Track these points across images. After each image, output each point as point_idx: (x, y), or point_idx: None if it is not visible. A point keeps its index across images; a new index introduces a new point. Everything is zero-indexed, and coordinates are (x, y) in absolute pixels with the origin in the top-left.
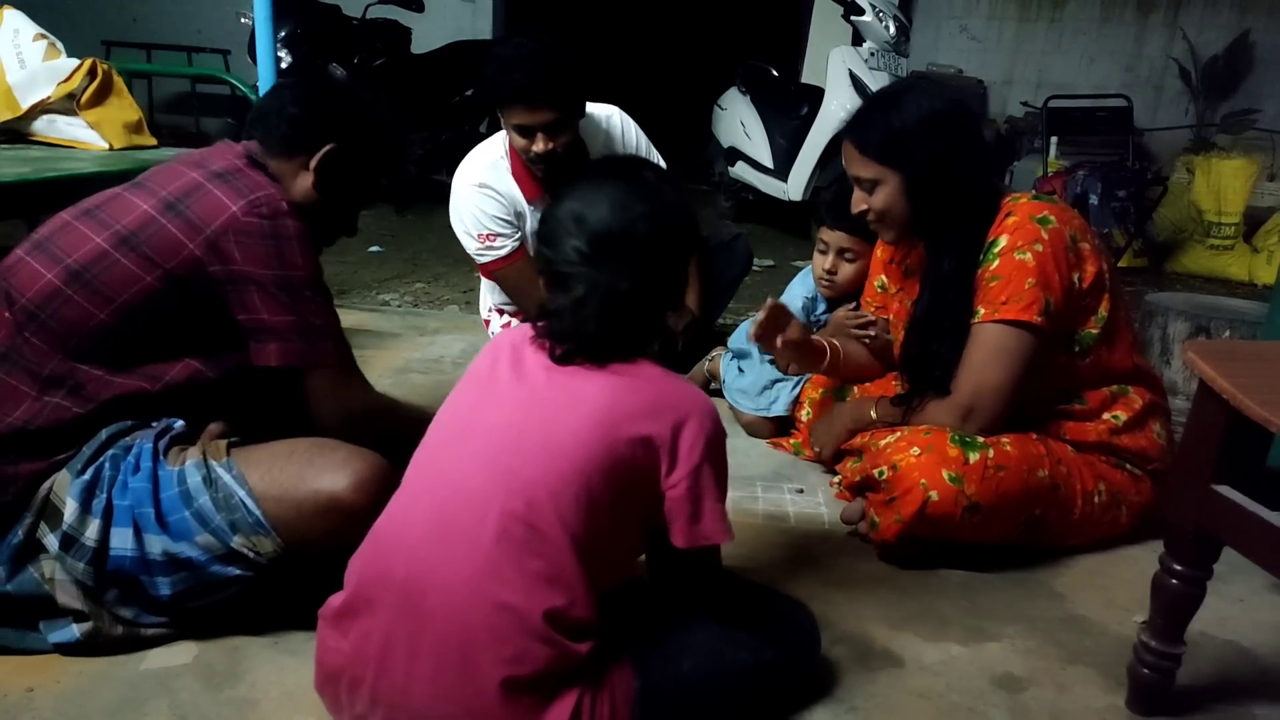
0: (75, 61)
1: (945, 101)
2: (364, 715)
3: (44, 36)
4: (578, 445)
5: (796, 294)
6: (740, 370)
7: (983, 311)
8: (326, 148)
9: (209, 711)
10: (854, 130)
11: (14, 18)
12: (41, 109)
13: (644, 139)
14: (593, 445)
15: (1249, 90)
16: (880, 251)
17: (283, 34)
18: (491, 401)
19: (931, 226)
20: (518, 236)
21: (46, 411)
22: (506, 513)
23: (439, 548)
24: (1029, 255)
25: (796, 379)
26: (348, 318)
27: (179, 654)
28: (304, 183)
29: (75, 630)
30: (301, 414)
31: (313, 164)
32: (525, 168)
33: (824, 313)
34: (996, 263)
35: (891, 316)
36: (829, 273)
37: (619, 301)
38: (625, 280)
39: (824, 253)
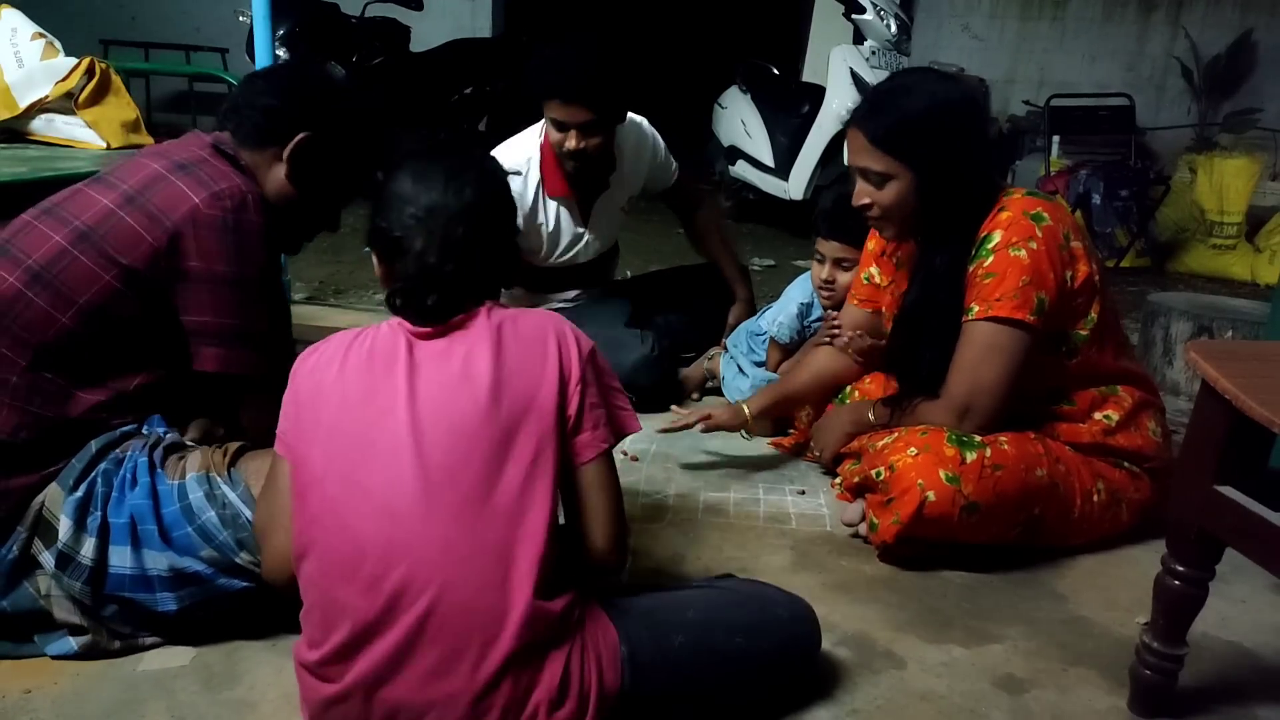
0: (73, 60)
1: (957, 93)
2: None
3: (42, 35)
4: (482, 415)
5: (793, 298)
6: (740, 370)
7: (976, 309)
8: (299, 137)
9: (207, 713)
10: (864, 120)
11: (12, 16)
12: (39, 108)
13: (662, 148)
14: (495, 410)
15: (1251, 89)
16: (871, 243)
17: (281, 32)
18: (383, 406)
19: (934, 223)
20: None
21: (28, 422)
22: (448, 501)
23: (405, 560)
24: (1023, 252)
25: None
26: (345, 317)
27: (177, 656)
28: (277, 174)
29: (72, 643)
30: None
31: (285, 154)
32: (556, 162)
33: (817, 320)
34: (990, 259)
35: (884, 309)
36: (827, 282)
37: (459, 240)
38: (460, 226)
39: (821, 262)
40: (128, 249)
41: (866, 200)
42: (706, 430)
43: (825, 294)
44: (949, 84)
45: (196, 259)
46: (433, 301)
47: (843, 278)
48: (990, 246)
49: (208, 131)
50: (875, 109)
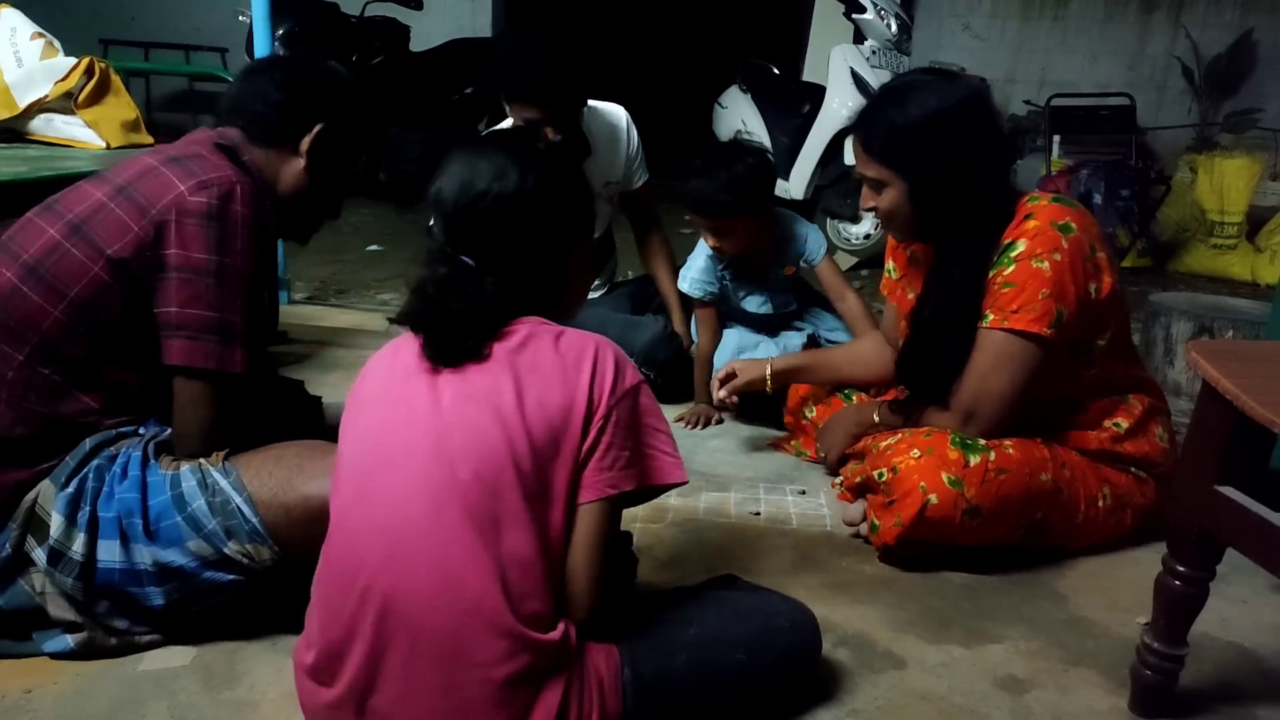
0: (73, 60)
1: (957, 98)
2: None
3: (41, 35)
4: (499, 440)
5: (700, 252)
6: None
7: (991, 317)
8: (316, 129)
9: (207, 713)
10: (860, 128)
11: (11, 16)
12: (39, 108)
13: (640, 148)
14: (512, 436)
15: (1252, 89)
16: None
17: (281, 32)
18: (403, 418)
19: (939, 231)
20: None
21: (24, 418)
22: (453, 522)
23: (399, 574)
24: (1046, 264)
25: (774, 342)
26: (347, 317)
27: (177, 655)
28: (294, 168)
29: (69, 640)
30: (286, 417)
31: (304, 147)
32: None
33: (725, 269)
34: (1012, 268)
35: (897, 306)
36: (720, 251)
37: (473, 288)
38: (489, 269)
39: (706, 233)
40: (115, 239)
41: (871, 204)
42: (731, 392)
43: (721, 259)
44: (949, 89)
45: (175, 246)
46: (438, 346)
47: (729, 243)
48: (1013, 255)
49: (212, 128)
50: (869, 116)
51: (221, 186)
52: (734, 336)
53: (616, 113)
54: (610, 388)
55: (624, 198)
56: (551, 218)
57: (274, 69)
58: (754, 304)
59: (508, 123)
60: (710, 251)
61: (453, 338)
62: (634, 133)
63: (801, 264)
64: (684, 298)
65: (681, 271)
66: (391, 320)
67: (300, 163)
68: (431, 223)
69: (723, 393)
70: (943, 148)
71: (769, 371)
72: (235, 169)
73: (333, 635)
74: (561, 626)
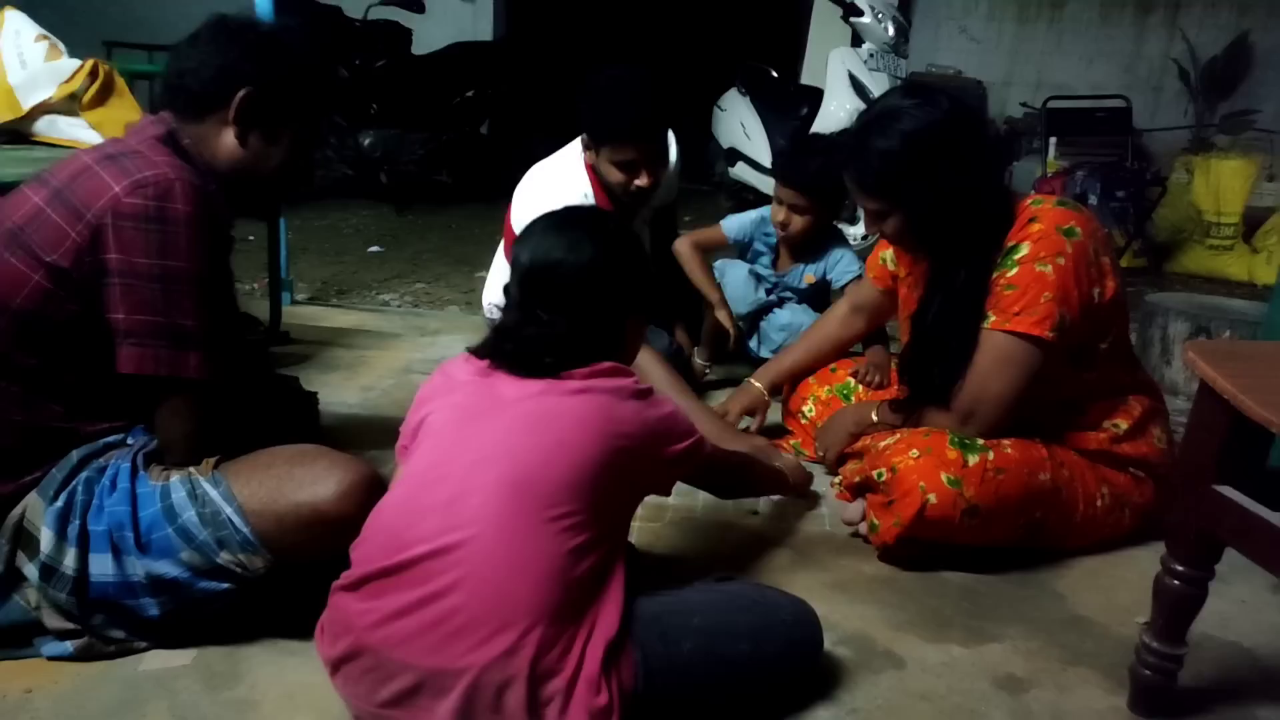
0: (77, 62)
1: (938, 119)
2: (389, 679)
3: (45, 37)
4: (572, 452)
5: (759, 211)
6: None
7: (993, 318)
8: (240, 95)
9: (208, 713)
10: (850, 166)
11: (15, 18)
12: (43, 110)
13: (678, 175)
14: (587, 449)
15: (1248, 91)
16: None
17: None
18: (472, 432)
19: (950, 240)
20: None
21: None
22: (517, 511)
23: (454, 527)
24: (1049, 268)
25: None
26: (347, 318)
27: (178, 655)
28: (228, 140)
29: (69, 646)
30: (279, 415)
31: (231, 115)
32: (604, 192)
33: (768, 232)
34: (1015, 270)
35: (900, 303)
36: (782, 224)
37: (546, 336)
38: (556, 320)
39: (780, 204)
40: (52, 246)
41: (875, 229)
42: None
43: (779, 233)
44: (928, 110)
45: (115, 251)
46: (513, 352)
47: (797, 221)
48: (1017, 258)
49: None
50: (856, 152)
51: (159, 185)
52: (741, 289)
53: (672, 141)
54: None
55: (655, 211)
56: (615, 288)
57: (196, 37)
58: (761, 274)
59: (574, 157)
60: (760, 217)
61: (529, 355)
62: (675, 153)
63: (825, 278)
64: (694, 299)
65: (732, 216)
66: (470, 350)
67: (231, 133)
68: (507, 283)
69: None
70: (934, 172)
71: (764, 387)
72: (174, 162)
73: (384, 561)
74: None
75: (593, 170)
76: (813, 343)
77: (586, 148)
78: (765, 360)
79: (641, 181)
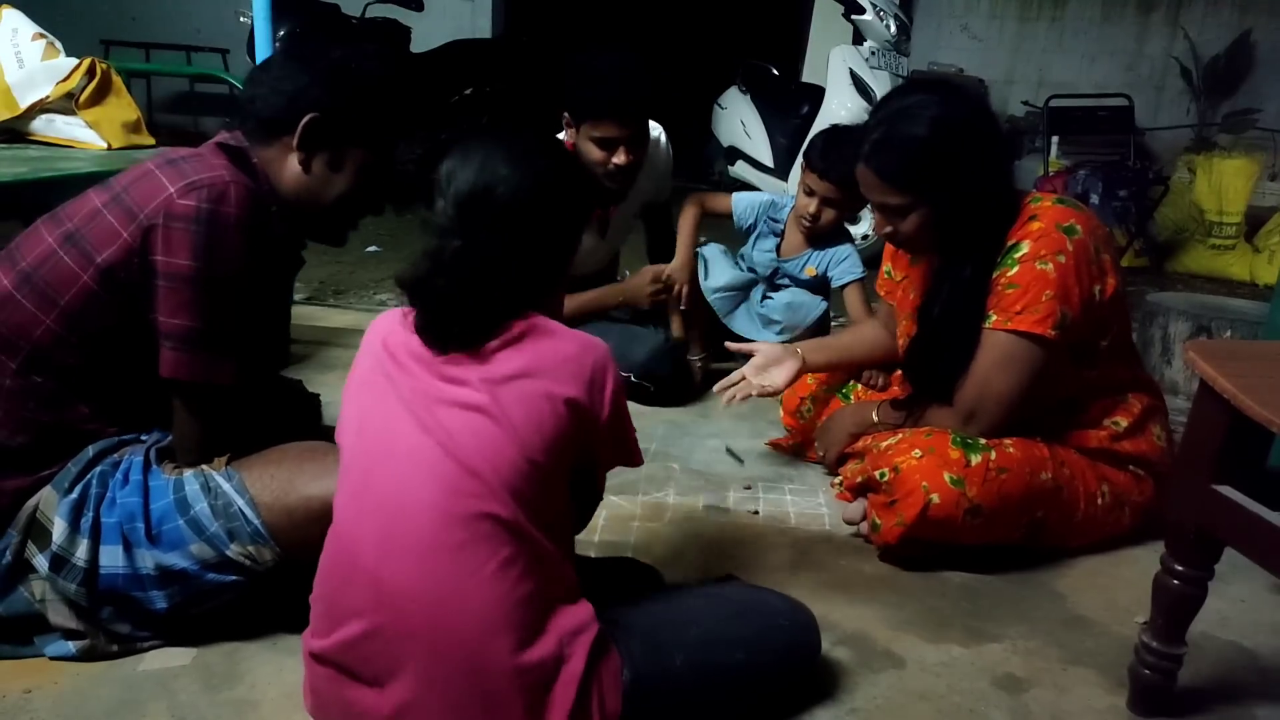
0: (74, 61)
1: (966, 109)
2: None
3: (42, 36)
4: (506, 436)
5: (770, 195)
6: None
7: (995, 317)
8: (305, 120)
9: (208, 713)
10: (872, 157)
11: (12, 17)
12: (40, 108)
13: (671, 163)
14: (521, 429)
15: (1250, 89)
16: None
17: (282, 33)
18: (401, 411)
19: (958, 238)
20: None
21: (22, 425)
22: (461, 515)
23: (400, 569)
24: (1050, 266)
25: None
26: (345, 318)
27: (177, 655)
28: (292, 165)
29: (70, 646)
30: (285, 416)
31: (295, 141)
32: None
33: (774, 217)
34: (1016, 269)
35: (895, 305)
36: (812, 216)
37: (480, 268)
38: (490, 246)
39: (810, 195)
40: (104, 246)
41: (888, 229)
42: (762, 394)
43: (805, 224)
44: (955, 101)
45: (161, 253)
46: (441, 330)
47: (828, 214)
48: (1017, 256)
49: (210, 132)
50: (881, 144)
51: (213, 188)
52: (724, 263)
53: (659, 132)
54: (607, 390)
55: (646, 207)
56: (564, 211)
57: (270, 62)
58: (761, 258)
59: (561, 137)
60: (780, 202)
61: (453, 321)
62: (669, 150)
63: (825, 275)
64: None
65: (741, 195)
66: (399, 281)
67: (296, 159)
68: (438, 203)
69: (754, 390)
70: (960, 164)
71: (802, 362)
72: (233, 169)
73: (347, 628)
74: (552, 637)
75: (574, 150)
76: (850, 341)
77: (568, 125)
78: (753, 341)
79: (619, 159)
